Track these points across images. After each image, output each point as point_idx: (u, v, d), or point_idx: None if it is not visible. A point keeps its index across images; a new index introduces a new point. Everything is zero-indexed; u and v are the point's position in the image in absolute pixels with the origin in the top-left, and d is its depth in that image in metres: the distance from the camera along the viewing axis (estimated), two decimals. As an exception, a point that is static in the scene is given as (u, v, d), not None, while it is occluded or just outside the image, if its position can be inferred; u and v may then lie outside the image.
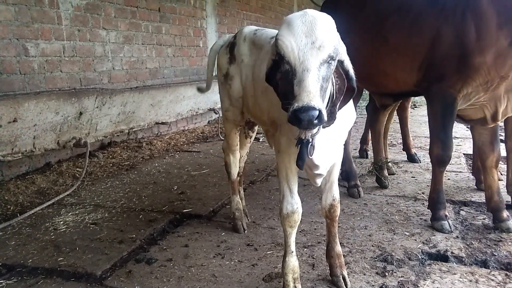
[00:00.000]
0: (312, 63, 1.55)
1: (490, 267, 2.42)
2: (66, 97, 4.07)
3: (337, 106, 1.77)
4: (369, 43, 3.26)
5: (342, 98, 1.78)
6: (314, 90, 1.52)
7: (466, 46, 2.64)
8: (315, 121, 1.48)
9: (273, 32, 2.55)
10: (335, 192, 2.25)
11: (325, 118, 1.53)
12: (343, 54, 1.73)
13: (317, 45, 1.57)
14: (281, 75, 1.66)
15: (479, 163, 3.48)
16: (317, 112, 1.47)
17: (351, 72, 1.78)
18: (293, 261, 2.17)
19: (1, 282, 2.38)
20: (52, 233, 3.01)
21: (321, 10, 4.12)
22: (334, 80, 1.73)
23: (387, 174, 3.96)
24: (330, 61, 1.59)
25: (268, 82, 1.83)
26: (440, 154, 2.90)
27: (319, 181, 2.17)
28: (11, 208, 3.48)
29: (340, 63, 1.72)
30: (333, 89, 1.74)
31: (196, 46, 7.15)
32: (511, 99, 2.80)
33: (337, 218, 2.29)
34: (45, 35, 4.37)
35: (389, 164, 4.32)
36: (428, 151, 3.06)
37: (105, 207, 3.50)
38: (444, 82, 2.78)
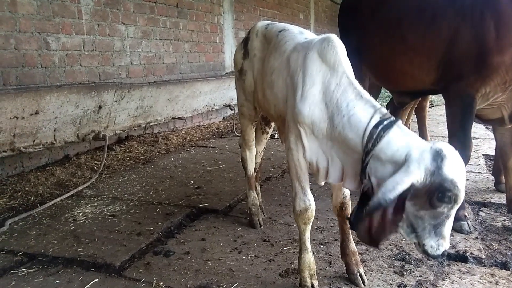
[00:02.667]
0: None
1: (511, 269, 2.38)
2: (86, 90, 4.12)
3: None
4: (387, 41, 3.24)
5: None
6: None
7: (485, 45, 2.61)
8: None
9: (283, 25, 2.55)
10: (345, 190, 2.24)
11: None
12: None
13: None
14: (427, 207, 1.67)
15: (500, 164, 3.43)
16: None
17: None
18: (309, 258, 2.18)
19: (23, 271, 2.43)
20: (71, 224, 3.06)
21: (340, 10, 4.16)
22: None
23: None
24: None
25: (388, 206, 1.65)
26: (459, 154, 2.85)
27: (323, 182, 2.16)
28: (32, 198, 3.55)
29: None
30: None
31: (212, 42, 7.17)
32: None
33: (348, 215, 2.28)
34: (66, 29, 4.43)
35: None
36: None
37: (123, 200, 3.55)
38: (462, 82, 2.74)
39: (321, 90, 1.96)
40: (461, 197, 1.62)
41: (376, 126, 1.77)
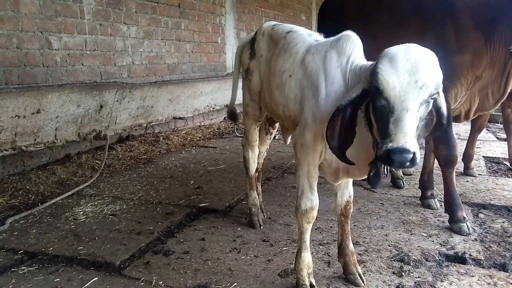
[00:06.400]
0: (412, 103, 1.54)
1: (509, 271, 2.39)
2: (88, 90, 4.14)
3: (421, 138, 1.75)
4: (363, 39, 3.43)
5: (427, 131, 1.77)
6: (411, 132, 1.51)
7: (447, 47, 2.83)
8: (408, 164, 1.49)
9: (290, 26, 2.57)
10: (351, 188, 2.28)
11: (418, 160, 1.53)
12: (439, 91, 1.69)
13: (419, 84, 1.54)
14: (375, 109, 1.63)
15: (470, 151, 4.18)
16: (411, 156, 1.48)
17: (443, 109, 1.75)
18: (308, 257, 2.19)
19: (23, 269, 2.44)
20: (72, 223, 3.07)
21: (326, 11, 4.30)
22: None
23: (402, 174, 3.96)
24: (429, 100, 1.59)
25: (342, 110, 1.73)
26: (446, 155, 2.95)
27: (340, 180, 2.18)
28: (32, 197, 3.56)
29: (434, 100, 1.68)
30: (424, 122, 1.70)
31: (214, 42, 7.18)
32: (482, 98, 3.00)
33: (350, 215, 2.31)
34: (68, 29, 4.45)
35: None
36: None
37: (123, 199, 3.56)
38: None
39: (343, 85, 1.96)
40: (389, 84, 1.54)
41: None
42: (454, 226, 2.90)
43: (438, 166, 3.19)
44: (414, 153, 1.49)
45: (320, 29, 4.27)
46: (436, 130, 1.80)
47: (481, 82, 2.91)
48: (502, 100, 3.02)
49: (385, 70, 1.57)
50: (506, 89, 2.91)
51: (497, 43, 2.76)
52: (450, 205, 2.98)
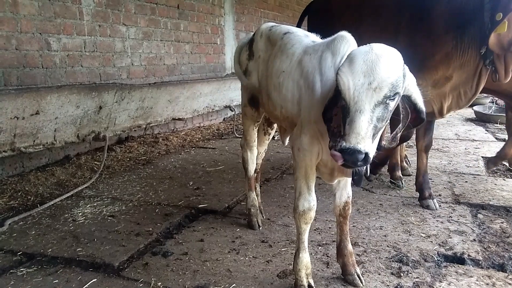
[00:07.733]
0: (366, 104, 1.56)
1: (508, 271, 2.39)
2: (87, 91, 4.14)
3: (399, 133, 1.79)
4: None
5: (407, 125, 1.80)
6: (364, 132, 1.53)
7: (420, 49, 3.05)
8: (360, 163, 1.53)
9: (287, 28, 2.58)
10: (349, 189, 2.28)
11: (371, 159, 1.55)
12: (411, 88, 1.71)
13: (373, 86, 1.55)
14: (340, 108, 1.67)
15: None
16: (362, 156, 1.51)
17: (420, 105, 1.77)
18: (306, 257, 2.20)
19: (22, 270, 2.44)
20: (71, 224, 3.07)
21: (311, 11, 4.35)
22: (400, 110, 1.74)
23: (401, 175, 3.96)
24: (387, 102, 1.58)
25: (323, 115, 1.83)
26: (429, 142, 3.40)
27: (336, 180, 2.19)
28: (31, 198, 3.56)
29: (407, 97, 1.71)
30: (400, 118, 1.75)
31: (213, 43, 7.19)
32: (455, 97, 3.13)
33: (349, 215, 2.31)
34: (67, 30, 4.45)
35: (405, 165, 4.30)
36: (445, 153, 3.09)
37: (122, 200, 3.56)
38: None
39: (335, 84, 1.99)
40: (344, 84, 1.59)
41: None
42: (423, 202, 3.34)
43: (441, 171, 3.21)
44: (366, 154, 1.52)
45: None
46: (417, 124, 1.85)
47: (451, 82, 3.07)
48: (474, 99, 3.19)
49: (344, 71, 1.62)
50: (478, 88, 3.07)
51: (467, 46, 2.90)
52: (422, 185, 3.40)
